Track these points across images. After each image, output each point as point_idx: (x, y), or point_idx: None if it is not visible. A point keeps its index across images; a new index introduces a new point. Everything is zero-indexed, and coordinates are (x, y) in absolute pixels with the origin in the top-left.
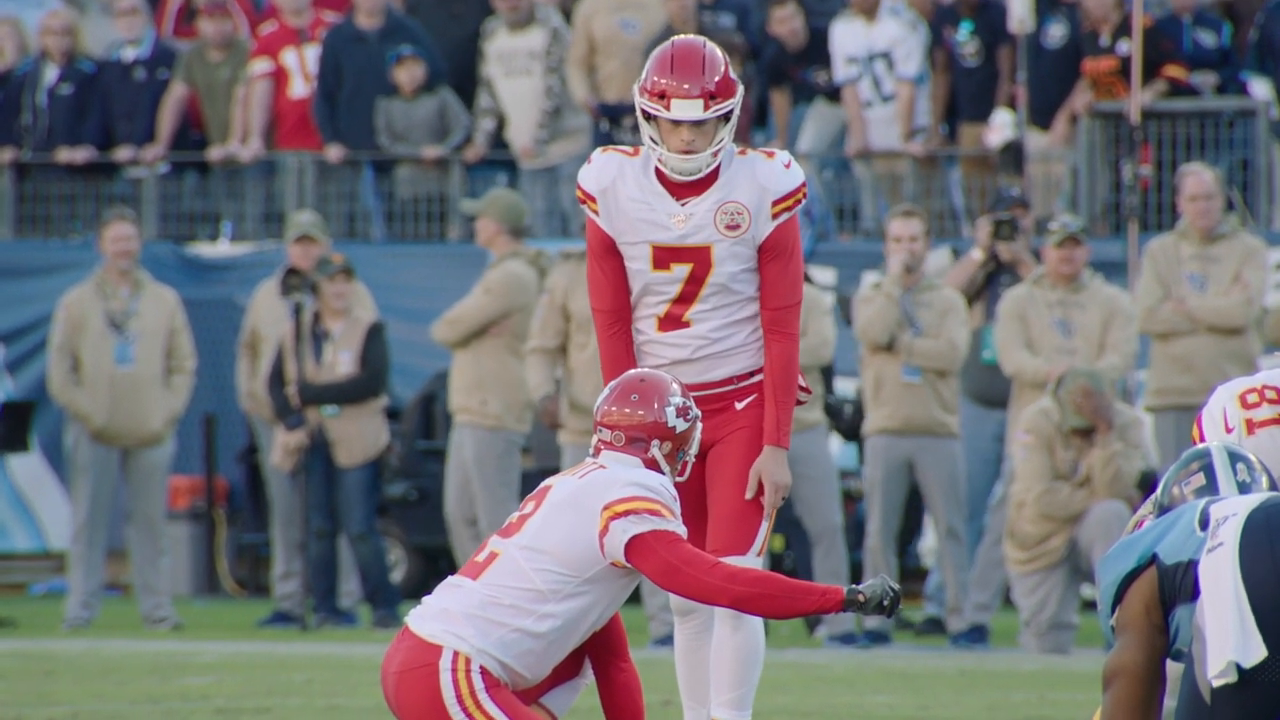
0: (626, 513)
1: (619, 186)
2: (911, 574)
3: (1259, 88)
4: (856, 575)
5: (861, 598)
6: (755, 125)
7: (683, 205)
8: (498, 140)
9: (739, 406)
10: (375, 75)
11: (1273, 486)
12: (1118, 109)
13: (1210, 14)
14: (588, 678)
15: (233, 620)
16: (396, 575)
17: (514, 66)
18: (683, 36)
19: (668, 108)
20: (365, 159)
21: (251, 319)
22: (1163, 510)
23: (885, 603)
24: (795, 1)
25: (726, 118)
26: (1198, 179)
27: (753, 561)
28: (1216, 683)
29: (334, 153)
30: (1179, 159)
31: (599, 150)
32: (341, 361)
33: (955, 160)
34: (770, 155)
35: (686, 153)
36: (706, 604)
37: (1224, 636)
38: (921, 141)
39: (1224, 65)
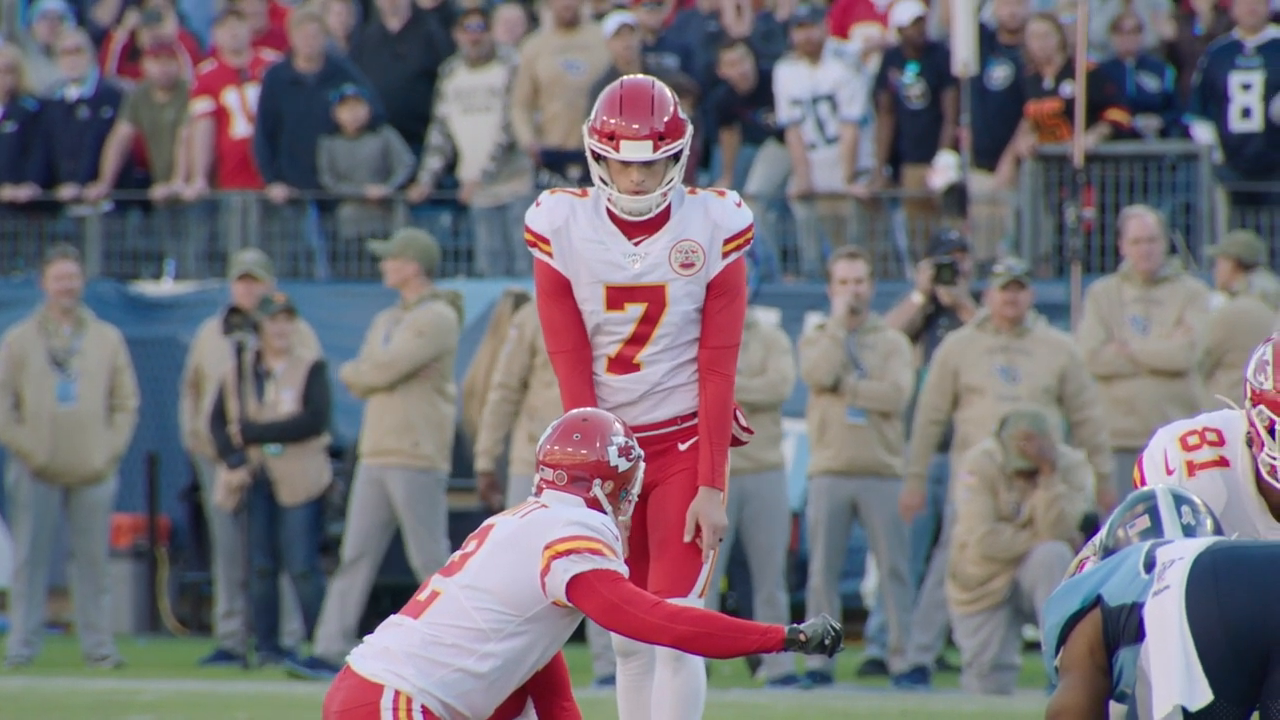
0: (568, 552)
1: (571, 227)
2: (853, 614)
3: (1201, 131)
4: (800, 615)
5: (803, 637)
6: (700, 166)
7: (636, 245)
8: (443, 180)
9: (682, 448)
10: (315, 116)
11: (1217, 529)
12: (1061, 152)
13: (1153, 58)
14: (530, 717)
15: (175, 659)
16: None
17: (473, 103)
18: (631, 77)
19: (617, 149)
20: (309, 198)
21: (195, 357)
22: (1108, 552)
23: (826, 641)
24: (744, 44)
25: (676, 158)
26: (1140, 222)
27: (695, 603)
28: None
29: (278, 192)
30: (1122, 202)
31: (547, 193)
32: (284, 400)
33: (899, 202)
34: (721, 194)
35: (636, 193)
36: (648, 643)
37: (1169, 680)
38: (865, 183)
39: (1167, 109)
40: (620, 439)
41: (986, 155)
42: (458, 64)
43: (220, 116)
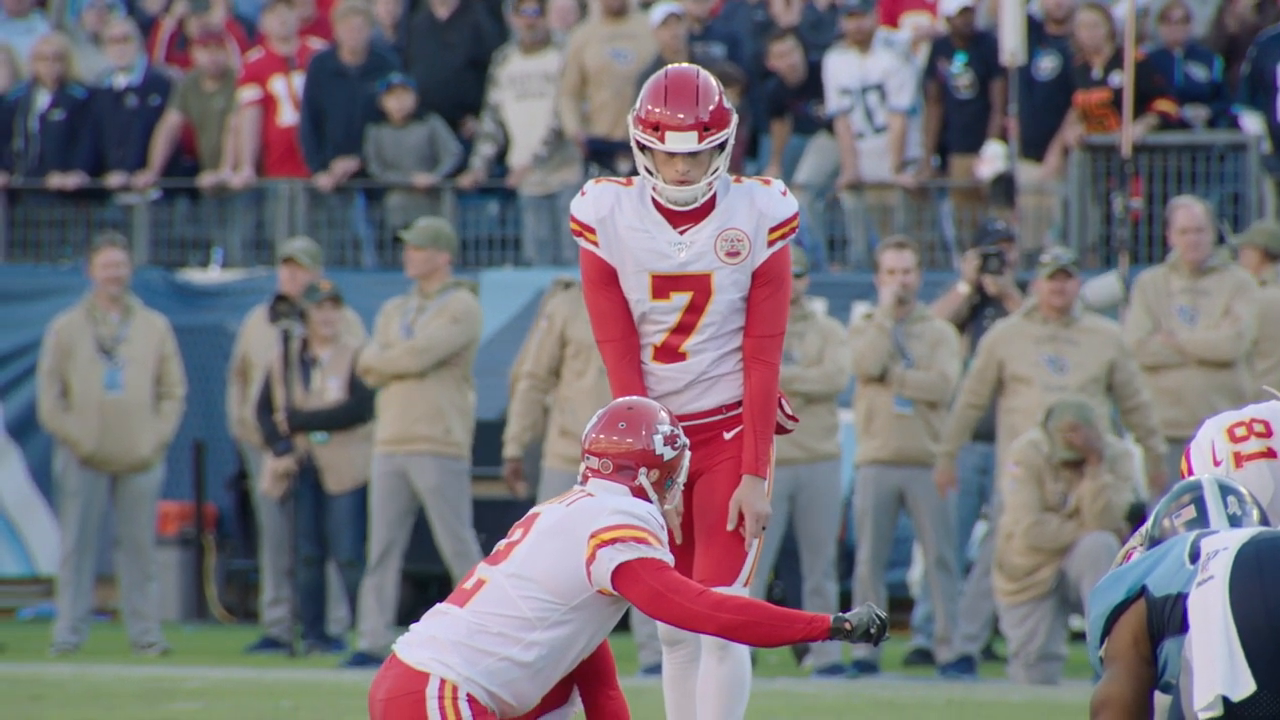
0: (613, 540)
1: (617, 216)
2: (900, 604)
3: (1250, 122)
4: (846, 604)
5: (848, 625)
6: (747, 156)
7: (682, 233)
8: (493, 168)
9: (727, 436)
10: (360, 106)
11: (1263, 520)
12: (1109, 142)
13: (1202, 47)
14: (576, 706)
15: (221, 646)
16: None
17: (527, 89)
18: (676, 66)
19: (662, 139)
20: (356, 186)
21: (242, 345)
22: (1153, 542)
23: (872, 630)
24: (794, 36)
25: (721, 147)
26: (1188, 212)
27: (740, 591)
28: (1203, 716)
29: (325, 180)
30: (1170, 192)
31: (592, 181)
32: (330, 388)
33: (946, 192)
34: (767, 183)
35: (682, 183)
36: (693, 631)
37: (1212, 670)
38: (913, 173)
39: (1215, 99)
40: (666, 427)
41: (1034, 145)
42: (512, 50)
43: (268, 104)
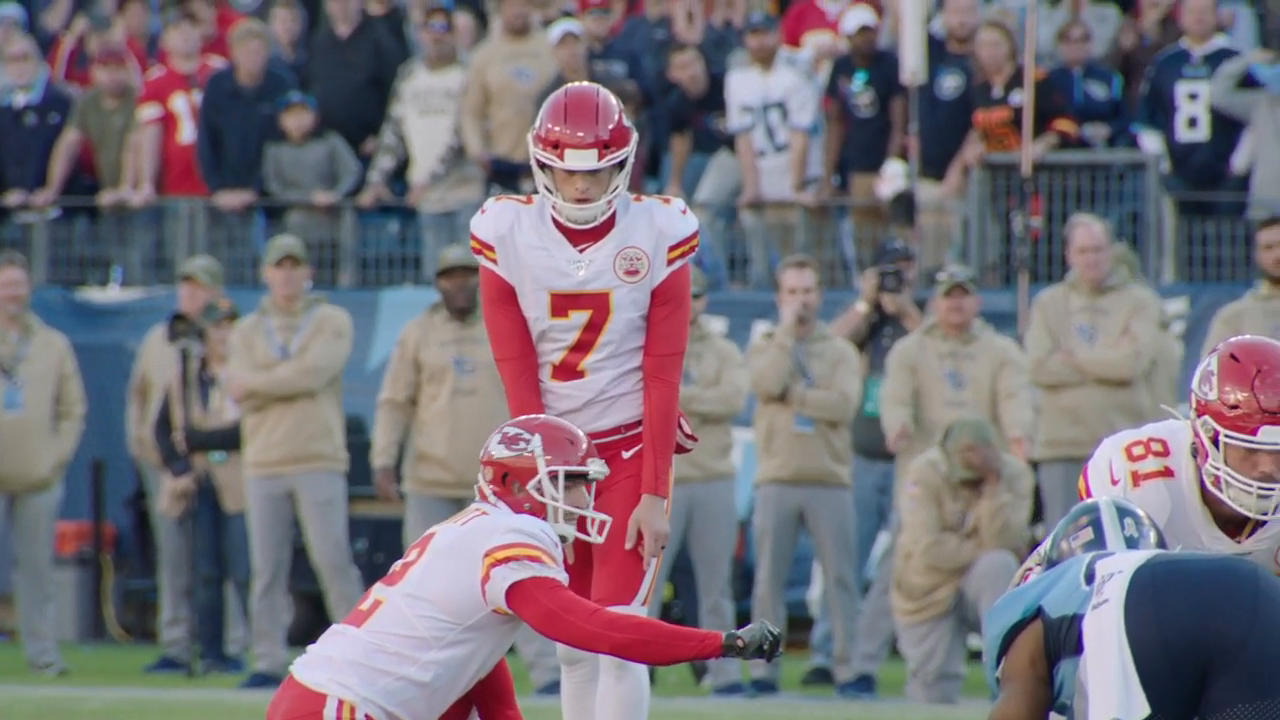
0: (507, 559)
1: (516, 234)
2: (799, 623)
3: (1149, 141)
4: (745, 623)
5: (740, 642)
6: (647, 174)
7: (581, 252)
8: (392, 185)
9: (626, 455)
10: (257, 126)
11: (1160, 541)
12: (1009, 161)
13: (1101, 66)
14: None
15: (119, 666)
16: (285, 620)
17: (429, 105)
18: (576, 84)
19: (561, 157)
20: (256, 205)
21: (141, 364)
22: (1051, 564)
23: (765, 647)
24: (695, 48)
25: (621, 165)
26: (1087, 231)
27: (638, 610)
28: None
29: (225, 199)
30: (1069, 211)
31: (492, 199)
32: (228, 408)
33: (846, 211)
34: (666, 201)
35: (581, 201)
36: (587, 650)
37: (1107, 693)
38: (813, 192)
39: (1114, 118)
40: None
41: (934, 164)
42: (417, 65)
43: (168, 122)
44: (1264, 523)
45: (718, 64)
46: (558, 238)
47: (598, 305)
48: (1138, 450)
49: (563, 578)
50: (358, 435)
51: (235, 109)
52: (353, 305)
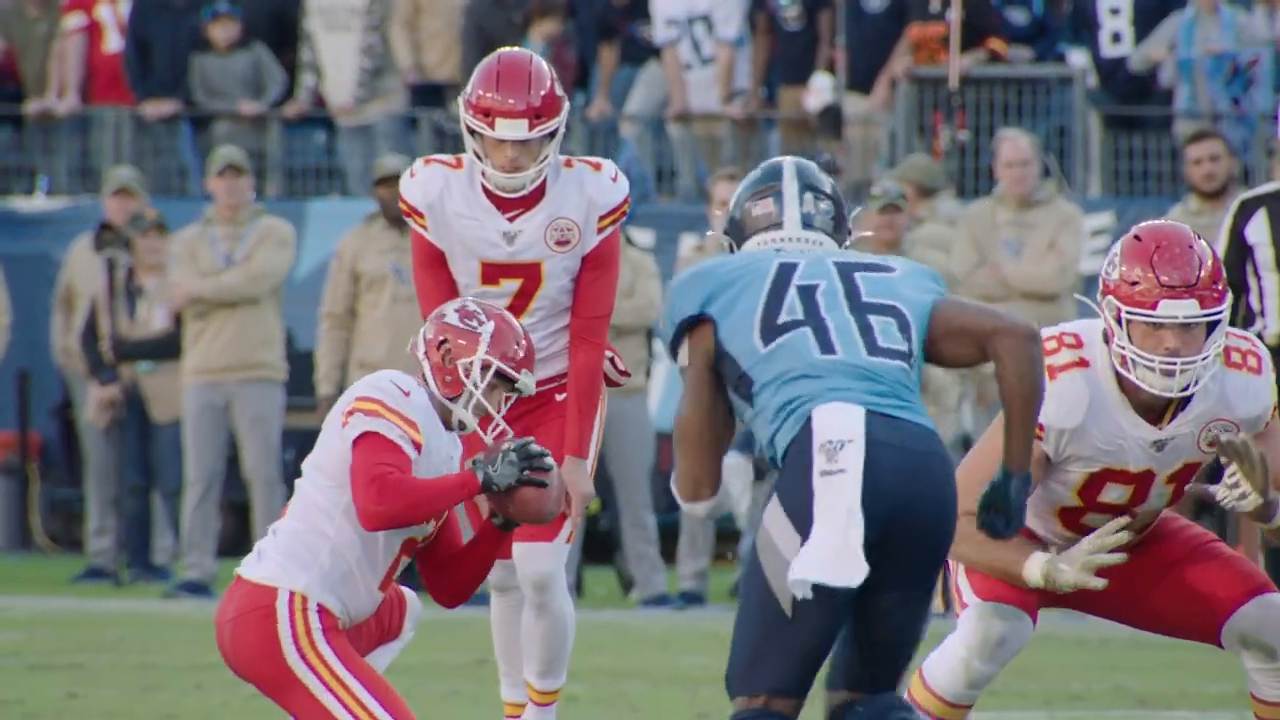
0: (353, 412)
1: (445, 202)
2: (727, 536)
3: (1075, 57)
4: (670, 537)
5: (491, 471)
6: (577, 86)
7: (511, 220)
8: (318, 96)
9: (559, 399)
10: (185, 36)
11: (838, 217)
12: (936, 75)
13: None
14: (408, 636)
15: (46, 576)
16: None
17: (334, 21)
18: (510, 50)
19: (492, 126)
20: (183, 115)
21: (67, 274)
22: (733, 225)
23: (513, 460)
24: None
25: (552, 135)
26: (1014, 145)
27: (560, 548)
28: (793, 589)
29: (151, 109)
30: (996, 125)
31: (421, 162)
32: (156, 317)
33: (774, 124)
34: (597, 167)
35: (512, 170)
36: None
37: (820, 553)
38: (740, 104)
39: (1039, 38)
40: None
41: (861, 77)
42: None
43: (93, 31)
44: (1183, 407)
45: None
46: (487, 205)
47: (529, 274)
48: (1051, 344)
49: (395, 434)
50: (286, 345)
51: (162, 19)
52: (280, 215)
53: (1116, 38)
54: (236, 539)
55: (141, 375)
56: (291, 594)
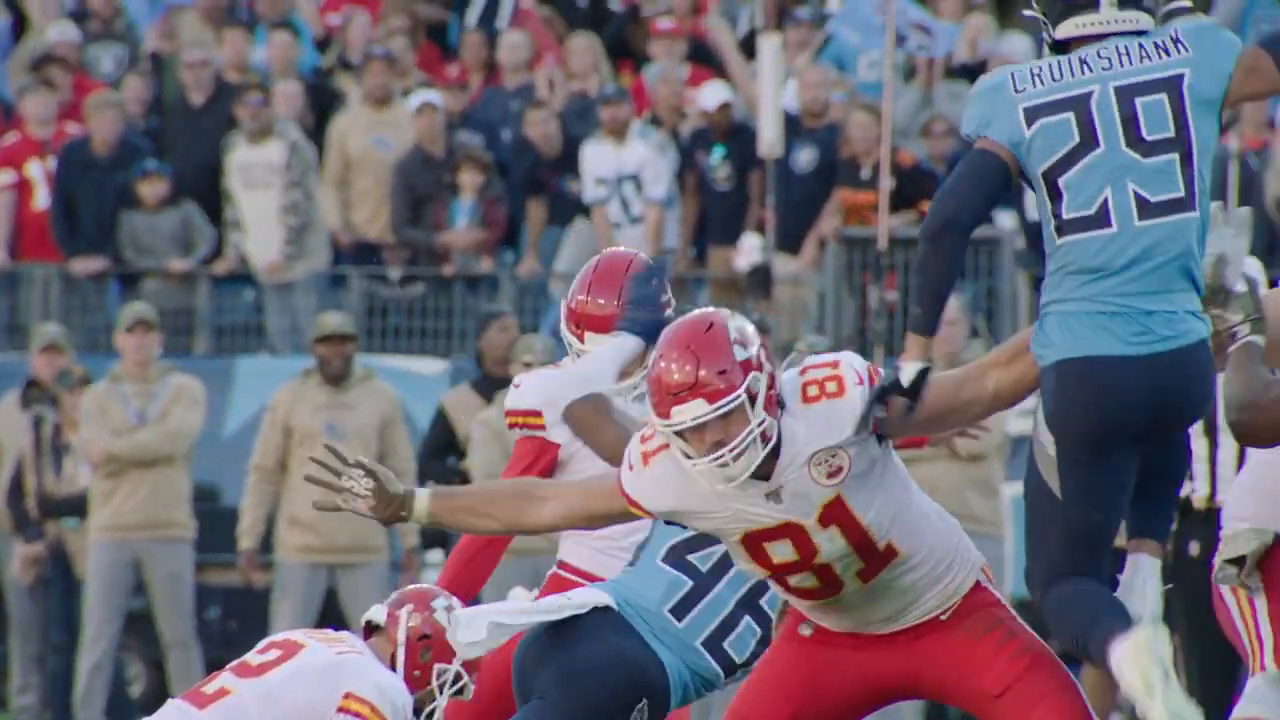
0: (356, 713)
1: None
2: None
3: (1004, 219)
4: None
5: None
6: (504, 244)
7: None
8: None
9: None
10: (112, 194)
11: None
12: (865, 235)
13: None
14: None
15: None
16: (135, 690)
17: (253, 179)
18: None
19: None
20: (111, 272)
21: None
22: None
23: None
24: (549, 109)
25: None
26: None
27: None
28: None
29: (79, 265)
30: None
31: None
32: (82, 474)
33: (704, 283)
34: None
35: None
36: None
37: None
38: (670, 264)
39: None
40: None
41: (791, 237)
42: (239, 138)
43: (23, 188)
44: (775, 457)
45: (575, 125)
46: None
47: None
48: (646, 430)
49: None
50: (212, 502)
51: (90, 177)
52: (208, 372)
53: None
54: (159, 694)
55: (66, 532)
56: None
